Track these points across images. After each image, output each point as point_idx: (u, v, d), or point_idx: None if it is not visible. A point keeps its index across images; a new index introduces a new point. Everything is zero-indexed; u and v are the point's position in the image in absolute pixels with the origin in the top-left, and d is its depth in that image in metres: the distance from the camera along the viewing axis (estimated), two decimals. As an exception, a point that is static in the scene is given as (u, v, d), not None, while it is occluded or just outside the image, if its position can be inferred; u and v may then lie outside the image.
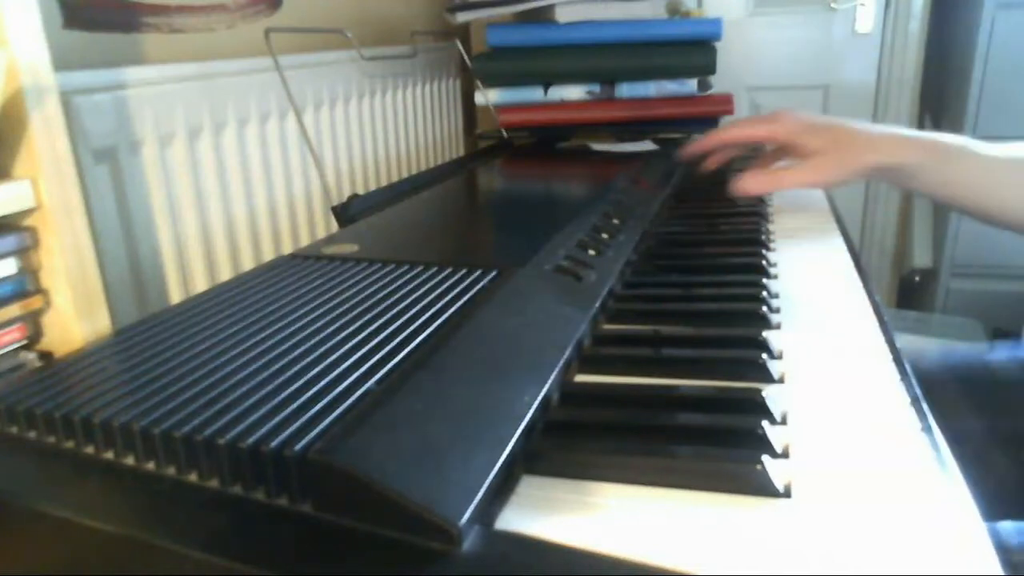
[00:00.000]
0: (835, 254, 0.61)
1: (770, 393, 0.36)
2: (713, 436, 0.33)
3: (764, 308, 0.47)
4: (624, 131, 1.11)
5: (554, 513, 0.29)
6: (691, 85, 1.08)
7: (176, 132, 0.75)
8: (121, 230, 0.70)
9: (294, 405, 0.30)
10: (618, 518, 0.28)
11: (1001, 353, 0.71)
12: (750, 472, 0.29)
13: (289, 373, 0.33)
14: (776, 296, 0.51)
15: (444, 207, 0.70)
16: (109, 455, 0.31)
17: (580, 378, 0.41)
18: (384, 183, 1.01)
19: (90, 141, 0.65)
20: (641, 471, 0.30)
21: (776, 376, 0.39)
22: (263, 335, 0.38)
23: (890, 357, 0.41)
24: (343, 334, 0.38)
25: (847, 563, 0.25)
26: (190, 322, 0.41)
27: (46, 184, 0.46)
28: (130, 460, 0.31)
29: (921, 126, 1.82)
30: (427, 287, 0.44)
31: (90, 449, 0.32)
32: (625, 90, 1.09)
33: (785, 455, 0.32)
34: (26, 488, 0.30)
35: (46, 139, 0.45)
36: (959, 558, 0.25)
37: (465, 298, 0.42)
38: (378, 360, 0.35)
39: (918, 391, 0.36)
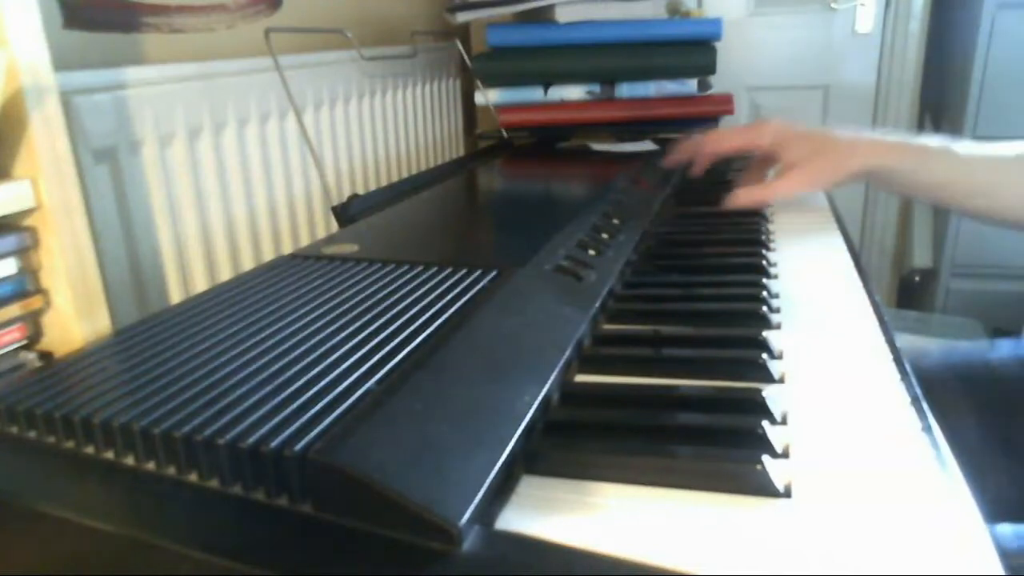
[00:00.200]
0: (835, 254, 0.61)
1: (770, 393, 0.36)
2: (713, 436, 0.33)
3: (764, 308, 0.47)
4: (624, 131, 1.11)
5: (554, 513, 0.28)
6: (691, 85, 1.08)
7: (176, 132, 0.75)
8: (121, 230, 0.70)
9: (294, 405, 0.30)
10: (618, 518, 0.28)
11: (1002, 351, 0.71)
12: (750, 472, 0.29)
13: (289, 373, 0.33)
14: (776, 296, 0.51)
15: (444, 207, 0.70)
16: (109, 455, 0.31)
17: (580, 378, 0.41)
18: (384, 183, 1.01)
19: (90, 141, 0.65)
20: (641, 471, 0.30)
21: (776, 376, 0.39)
22: (263, 335, 0.38)
23: (890, 357, 0.41)
24: (343, 334, 0.38)
25: (847, 563, 0.25)
26: (190, 322, 0.41)
27: (46, 184, 0.46)
28: (130, 460, 0.31)
29: (921, 126, 1.82)
30: (427, 287, 0.44)
31: (90, 449, 0.32)
32: (625, 90, 1.09)
33: (785, 455, 0.32)
34: (26, 488, 0.30)
35: (46, 139, 0.45)
36: (959, 558, 0.25)
37: (465, 298, 0.42)
38: (378, 360, 0.35)
39: (918, 391, 0.36)
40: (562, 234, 0.54)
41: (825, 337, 0.44)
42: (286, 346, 0.36)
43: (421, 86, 1.30)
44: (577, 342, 0.42)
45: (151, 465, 0.30)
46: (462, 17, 1.12)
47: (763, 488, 0.29)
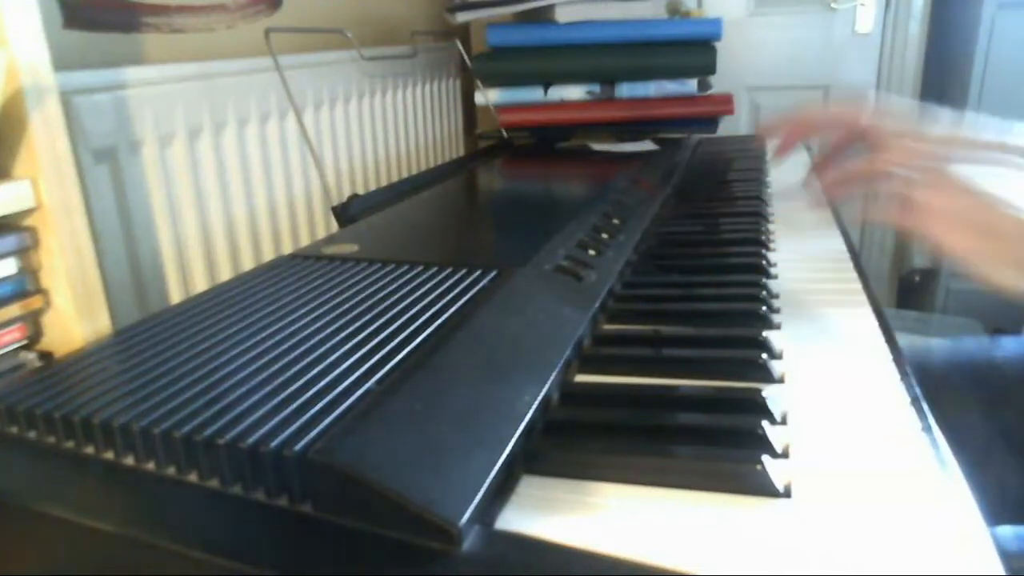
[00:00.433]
0: (835, 254, 0.61)
1: (770, 393, 0.36)
2: (713, 436, 0.33)
3: (764, 308, 0.47)
4: (624, 131, 1.11)
5: (554, 513, 0.28)
6: (691, 85, 1.08)
7: (176, 132, 0.75)
8: (121, 230, 0.70)
9: (294, 405, 0.30)
10: (618, 518, 0.28)
11: (1007, 348, 0.71)
12: (750, 472, 0.29)
13: (289, 373, 0.33)
14: (776, 296, 0.51)
15: (444, 207, 0.70)
16: (109, 455, 0.31)
17: (580, 378, 0.41)
18: (384, 183, 1.01)
19: (90, 141, 0.65)
20: (641, 471, 0.30)
21: (776, 376, 0.39)
22: (263, 335, 0.38)
23: (890, 357, 0.41)
24: (343, 334, 0.38)
25: (847, 563, 0.25)
26: (190, 322, 0.41)
27: (46, 184, 0.46)
28: (130, 460, 0.31)
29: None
30: (427, 287, 0.44)
31: (90, 449, 0.32)
32: (625, 90, 1.09)
33: (785, 455, 0.32)
34: (26, 488, 0.30)
35: (46, 139, 0.45)
36: (959, 558, 0.25)
37: (465, 298, 0.42)
38: (378, 360, 0.35)
39: (918, 391, 0.36)
40: (562, 234, 0.54)
41: (825, 337, 0.44)
42: (286, 346, 0.36)
43: (421, 86, 1.30)
44: (577, 342, 0.42)
45: (151, 465, 0.30)
46: (462, 17, 1.12)
47: (763, 488, 0.29)
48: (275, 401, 0.31)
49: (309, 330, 0.38)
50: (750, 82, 1.85)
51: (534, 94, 1.11)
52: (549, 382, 0.36)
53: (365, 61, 1.09)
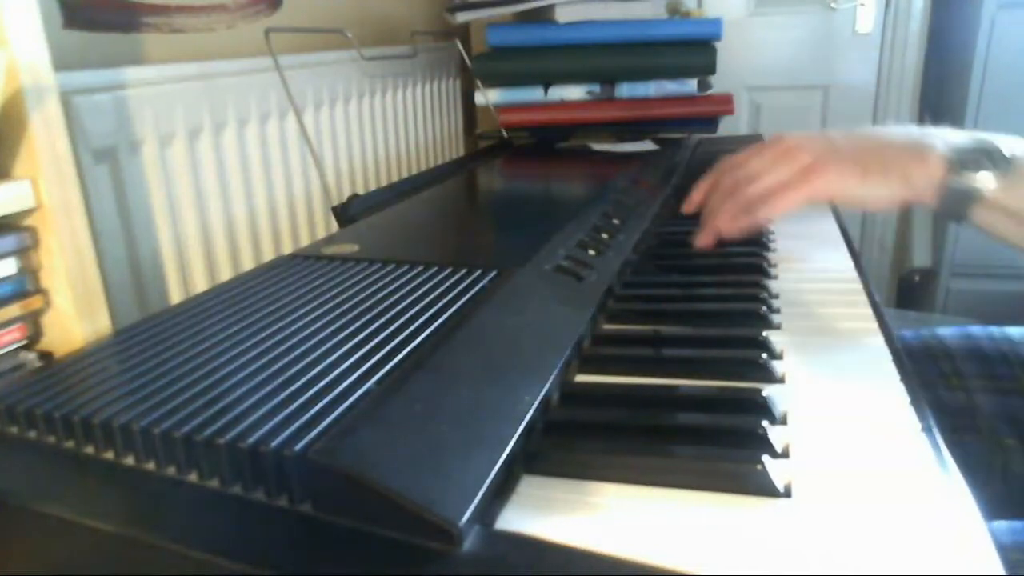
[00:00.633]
0: (835, 254, 0.61)
1: (770, 393, 0.36)
2: (713, 436, 0.33)
3: (764, 308, 0.47)
4: (624, 131, 1.11)
5: (554, 513, 0.28)
6: (691, 85, 1.08)
7: (176, 132, 0.75)
8: (121, 230, 0.70)
9: (294, 405, 0.30)
10: (618, 518, 0.28)
11: (1015, 335, 0.71)
12: (750, 472, 0.29)
13: (289, 373, 0.33)
14: (776, 296, 0.51)
15: (444, 207, 0.70)
16: (109, 455, 0.31)
17: (580, 378, 0.41)
18: (384, 183, 1.01)
19: (90, 141, 0.65)
20: (641, 471, 0.30)
21: (776, 376, 0.39)
22: (263, 335, 0.38)
23: (890, 357, 0.41)
24: (343, 334, 0.38)
25: (847, 563, 0.25)
26: (190, 322, 0.41)
27: (46, 184, 0.46)
28: (130, 460, 0.31)
29: (921, 126, 1.81)
30: (427, 287, 0.44)
31: (90, 449, 0.32)
32: (625, 90, 1.09)
33: (785, 455, 0.32)
34: (26, 488, 0.30)
35: (46, 139, 0.45)
36: (959, 558, 0.25)
37: (465, 298, 0.42)
38: (378, 360, 0.35)
39: (918, 391, 0.36)
40: (562, 234, 0.54)
41: (825, 337, 0.44)
42: (286, 346, 0.36)
43: (421, 86, 1.30)
44: (577, 342, 0.42)
45: (151, 465, 0.30)
46: (462, 17, 1.12)
47: (763, 488, 0.29)
48: (275, 401, 0.31)
49: (309, 330, 0.38)
50: (750, 82, 1.85)
51: (534, 94, 1.11)
52: (549, 382, 0.36)
53: (365, 61, 1.09)
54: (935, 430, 0.33)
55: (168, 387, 0.33)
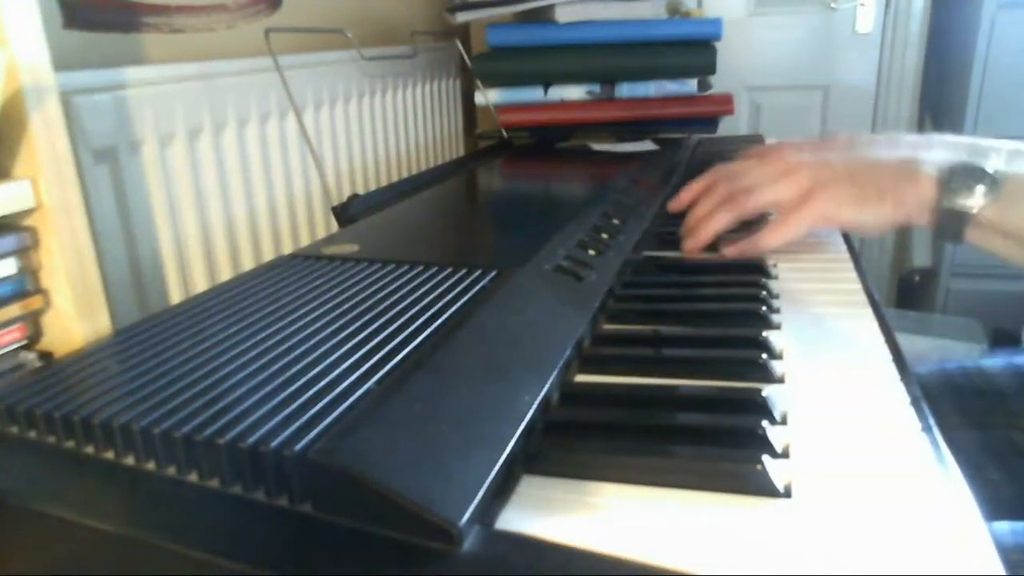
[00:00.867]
0: (835, 254, 0.61)
1: (770, 393, 0.36)
2: (713, 436, 0.33)
3: (764, 308, 0.47)
4: (624, 131, 1.11)
5: (554, 513, 0.28)
6: (691, 85, 1.08)
7: (176, 132, 0.75)
8: (121, 230, 0.70)
9: (294, 405, 0.30)
10: (618, 518, 0.28)
11: (998, 360, 0.71)
12: (750, 472, 0.29)
13: (289, 373, 0.33)
14: (776, 296, 0.51)
15: (444, 207, 0.70)
16: (109, 455, 0.31)
17: (580, 378, 0.41)
18: (384, 183, 1.01)
19: (90, 141, 0.65)
20: (641, 471, 0.30)
21: (776, 376, 0.39)
22: (263, 335, 0.38)
23: (890, 357, 0.41)
24: (343, 334, 0.38)
25: (847, 563, 0.25)
26: (190, 322, 0.41)
27: (46, 184, 0.46)
28: (130, 460, 0.31)
29: (921, 126, 1.82)
30: (427, 287, 0.44)
31: (90, 449, 0.32)
32: (625, 90, 1.09)
33: (785, 455, 0.32)
34: (26, 488, 0.30)
35: (46, 139, 0.45)
36: (959, 558, 0.25)
37: (465, 298, 0.42)
38: (378, 360, 0.35)
39: (918, 391, 0.36)
40: (562, 234, 0.54)
41: (825, 337, 0.44)
42: (286, 346, 0.36)
43: (421, 86, 1.30)
44: (577, 342, 0.42)
45: (151, 465, 0.30)
46: (462, 17, 1.12)
47: (763, 488, 0.29)
48: (275, 401, 0.31)
49: (309, 330, 0.38)
50: (750, 82, 1.85)
51: (534, 94, 1.11)
52: (549, 382, 0.36)
53: (365, 61, 1.09)
54: (935, 430, 0.33)
55: (168, 387, 0.33)
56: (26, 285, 0.47)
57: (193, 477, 0.29)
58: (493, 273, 0.46)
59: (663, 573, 0.25)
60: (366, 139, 1.12)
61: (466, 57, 1.14)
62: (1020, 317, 1.63)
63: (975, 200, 0.48)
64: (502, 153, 1.02)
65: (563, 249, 0.51)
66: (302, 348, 0.36)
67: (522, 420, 0.32)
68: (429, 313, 0.40)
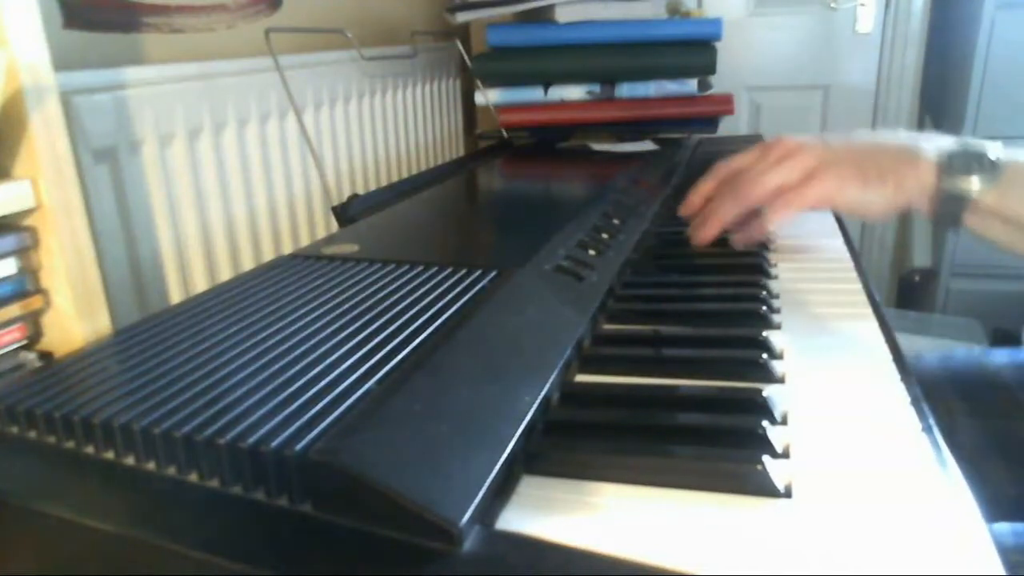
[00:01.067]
0: (835, 254, 0.61)
1: (770, 393, 0.36)
2: (713, 436, 0.33)
3: (764, 308, 0.47)
4: (624, 131, 1.11)
5: (554, 513, 0.28)
6: (691, 85, 1.08)
7: (176, 132, 0.75)
8: (121, 230, 0.70)
9: (294, 405, 0.30)
10: (618, 518, 0.28)
11: (999, 357, 0.71)
12: (750, 472, 0.29)
13: (289, 373, 0.33)
14: (776, 296, 0.51)
15: (444, 207, 0.70)
16: (109, 455, 0.31)
17: (580, 378, 0.41)
18: (384, 183, 1.01)
19: (90, 141, 0.65)
20: (641, 471, 0.30)
21: (776, 376, 0.39)
22: (263, 335, 0.38)
23: (890, 357, 0.41)
24: (343, 334, 0.38)
25: (847, 563, 0.25)
26: (190, 322, 0.41)
27: (46, 184, 0.46)
28: (130, 460, 0.31)
29: (921, 126, 1.82)
30: (427, 287, 0.44)
31: (90, 449, 0.32)
32: (625, 90, 1.09)
33: (785, 455, 0.32)
34: (26, 488, 0.30)
35: (46, 139, 0.45)
36: (960, 558, 0.25)
37: (465, 298, 0.42)
38: (378, 360, 0.35)
39: (919, 391, 0.36)
40: (562, 234, 0.54)
41: (825, 337, 0.44)
42: (286, 346, 0.36)
43: (421, 86, 1.30)
44: (577, 342, 0.42)
45: (151, 465, 0.30)
46: (462, 17, 1.12)
47: (763, 488, 0.29)
48: (275, 401, 0.31)
49: (309, 330, 0.38)
50: (750, 82, 1.85)
51: (534, 94, 1.11)
52: (549, 382, 0.36)
53: (365, 61, 1.09)
54: (935, 430, 0.33)
55: (168, 387, 0.33)
56: (26, 285, 0.47)
57: (193, 477, 0.29)
58: (493, 273, 0.46)
59: (663, 573, 0.25)
60: (366, 139, 1.12)
61: (466, 57, 1.14)
62: (1020, 317, 1.63)
63: (974, 184, 0.48)
64: (502, 153, 1.02)
65: (563, 249, 0.51)
66: (302, 348, 0.36)
67: (522, 420, 0.32)
68: (429, 313, 0.40)
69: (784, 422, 0.35)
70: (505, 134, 1.09)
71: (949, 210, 0.49)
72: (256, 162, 0.87)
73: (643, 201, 0.71)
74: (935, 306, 1.75)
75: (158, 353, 0.37)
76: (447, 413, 0.31)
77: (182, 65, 0.77)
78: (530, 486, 0.30)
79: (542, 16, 1.12)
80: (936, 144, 0.51)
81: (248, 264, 0.86)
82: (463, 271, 0.46)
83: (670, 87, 1.08)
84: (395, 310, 0.41)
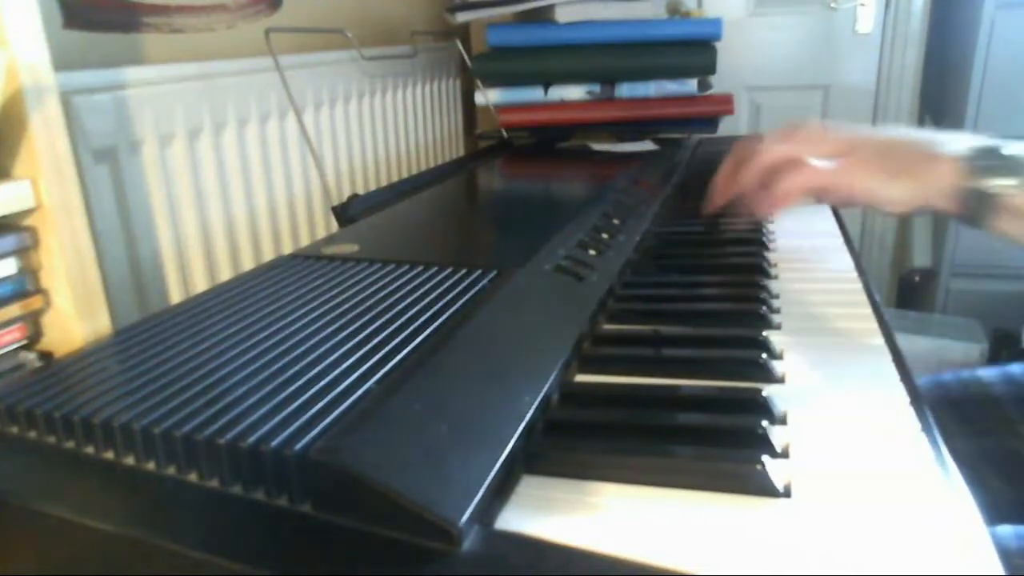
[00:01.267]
0: (835, 254, 0.61)
1: (770, 393, 0.36)
2: (713, 436, 0.33)
3: (764, 308, 0.47)
4: (624, 131, 1.11)
5: (554, 513, 0.28)
6: (691, 85, 1.08)
7: (176, 132, 0.75)
8: (121, 230, 0.70)
9: (294, 405, 0.30)
10: (618, 518, 0.28)
11: (992, 370, 0.71)
12: (750, 472, 0.29)
13: (289, 373, 0.33)
14: (776, 296, 0.51)
15: (444, 207, 0.70)
16: (109, 455, 0.31)
17: (580, 378, 0.41)
18: (384, 183, 1.01)
19: (90, 141, 0.65)
20: (641, 471, 0.30)
21: (776, 376, 0.39)
22: (263, 335, 0.38)
23: (890, 357, 0.41)
24: (343, 334, 0.38)
25: (847, 563, 0.25)
26: (190, 322, 0.41)
27: (46, 184, 0.46)
28: (130, 460, 0.31)
29: (921, 126, 1.82)
30: (427, 287, 0.44)
31: (90, 449, 0.32)
32: (625, 90, 1.09)
33: (785, 455, 0.32)
34: (26, 488, 0.30)
35: (46, 139, 0.45)
36: (959, 558, 0.25)
37: (465, 298, 0.42)
38: (378, 360, 0.35)
39: (918, 391, 0.36)
40: (562, 234, 0.54)
41: (825, 337, 0.44)
42: (286, 346, 0.36)
43: (421, 86, 1.30)
44: (577, 342, 0.42)
45: (151, 465, 0.30)
46: (462, 17, 1.12)
47: (763, 488, 0.29)
48: (275, 401, 0.31)
49: (309, 330, 0.38)
50: (750, 82, 1.85)
51: (534, 94, 1.11)
52: (549, 382, 0.36)
53: (365, 61, 1.09)
54: (935, 430, 0.33)
55: (168, 387, 0.33)
56: (26, 285, 0.47)
57: (193, 477, 0.29)
58: (493, 273, 0.46)
59: (663, 573, 0.25)
60: (366, 139, 1.12)
61: (466, 57, 1.14)
62: (1020, 317, 1.63)
63: (1001, 184, 0.47)
64: (502, 153, 1.02)
65: (563, 249, 0.51)
66: (302, 348, 0.36)
67: (522, 420, 0.32)
68: (429, 313, 0.40)
69: (784, 422, 0.35)
70: (505, 134, 1.09)
71: (973, 209, 0.48)
72: (256, 162, 0.87)
73: (643, 201, 0.71)
74: (935, 306, 1.75)
75: (158, 353, 0.37)
76: (447, 413, 0.31)
77: (182, 65, 0.77)
78: (530, 486, 0.30)
79: (542, 16, 1.12)
80: (959, 141, 0.50)
81: (248, 264, 0.86)
82: (463, 271, 0.46)
83: (670, 87, 1.08)
84: (395, 310, 0.41)
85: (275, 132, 0.89)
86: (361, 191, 0.84)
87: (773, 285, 0.53)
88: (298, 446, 0.27)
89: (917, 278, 1.83)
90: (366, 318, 0.40)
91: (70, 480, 0.31)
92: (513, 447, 0.30)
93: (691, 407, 0.36)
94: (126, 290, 0.71)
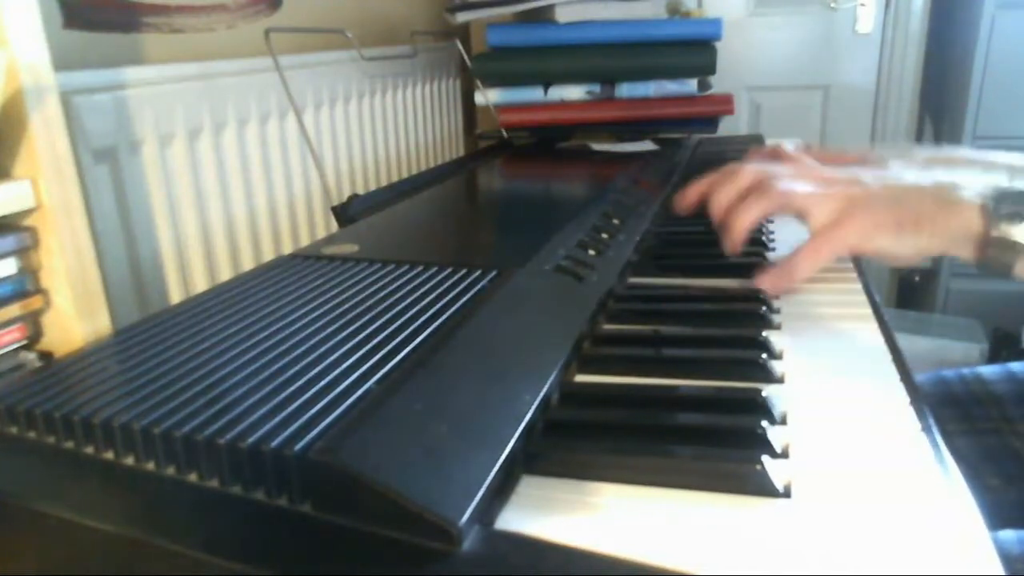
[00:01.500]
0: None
1: (770, 393, 0.36)
2: (713, 436, 0.33)
3: (764, 308, 0.47)
4: (624, 131, 1.11)
5: (554, 513, 0.28)
6: (691, 85, 1.08)
7: (176, 132, 0.75)
8: (121, 230, 0.70)
9: (294, 405, 0.30)
10: (618, 518, 0.28)
11: (994, 368, 0.71)
12: (750, 472, 0.29)
13: (289, 373, 0.33)
14: (776, 296, 0.51)
15: (444, 207, 0.70)
16: (109, 455, 0.31)
17: (580, 378, 0.41)
18: (384, 183, 1.01)
19: (90, 141, 0.65)
20: (641, 471, 0.30)
21: (776, 376, 0.39)
22: (263, 335, 0.38)
23: (890, 357, 0.41)
24: (343, 334, 0.38)
25: (847, 563, 0.25)
26: (190, 322, 0.41)
27: (46, 184, 0.46)
28: (130, 460, 0.31)
29: (921, 126, 1.82)
30: (427, 287, 0.44)
31: (90, 449, 0.32)
32: (625, 90, 1.09)
33: (785, 455, 0.32)
34: (26, 488, 0.30)
35: (46, 139, 0.45)
36: (960, 558, 0.25)
37: (465, 298, 0.42)
38: (378, 360, 0.35)
39: (918, 391, 0.36)
40: (562, 234, 0.54)
41: (825, 337, 0.44)
42: (286, 346, 0.36)
43: (421, 86, 1.30)
44: (577, 342, 0.42)
45: (151, 465, 0.30)
46: (462, 17, 1.12)
47: (763, 488, 0.29)
48: (275, 401, 0.31)
49: (309, 330, 0.38)
50: (750, 82, 1.85)
51: (534, 94, 1.11)
52: (549, 382, 0.36)
53: (365, 61, 1.09)
54: (935, 430, 0.33)
55: (168, 387, 0.33)
56: (26, 285, 0.47)
57: (193, 477, 0.29)
58: (493, 273, 0.46)
59: (663, 573, 0.25)
60: (366, 139, 1.12)
61: (466, 57, 1.14)
62: (1020, 317, 1.63)
63: None
64: (502, 153, 1.02)
65: (563, 249, 0.51)
66: (302, 348, 0.36)
67: (522, 420, 0.32)
68: (429, 313, 0.40)
69: (784, 422, 0.35)
70: (505, 134, 1.09)
71: (999, 257, 0.45)
72: (256, 162, 0.87)
73: (643, 201, 0.71)
74: (935, 306, 1.75)
75: (158, 353, 0.37)
76: (447, 413, 0.31)
77: (182, 65, 0.77)
78: (530, 486, 0.30)
79: (542, 16, 1.12)
80: (977, 185, 0.47)
81: (248, 264, 0.86)
82: (463, 271, 0.46)
83: (670, 87, 1.08)
84: (395, 310, 0.41)
85: (275, 132, 0.90)
86: (361, 191, 0.84)
87: (773, 285, 0.53)
88: (298, 446, 0.27)
89: (917, 278, 1.83)
90: (366, 318, 0.40)
91: (70, 480, 0.31)
92: (513, 447, 0.30)
93: (691, 407, 0.36)
94: (126, 290, 0.71)
